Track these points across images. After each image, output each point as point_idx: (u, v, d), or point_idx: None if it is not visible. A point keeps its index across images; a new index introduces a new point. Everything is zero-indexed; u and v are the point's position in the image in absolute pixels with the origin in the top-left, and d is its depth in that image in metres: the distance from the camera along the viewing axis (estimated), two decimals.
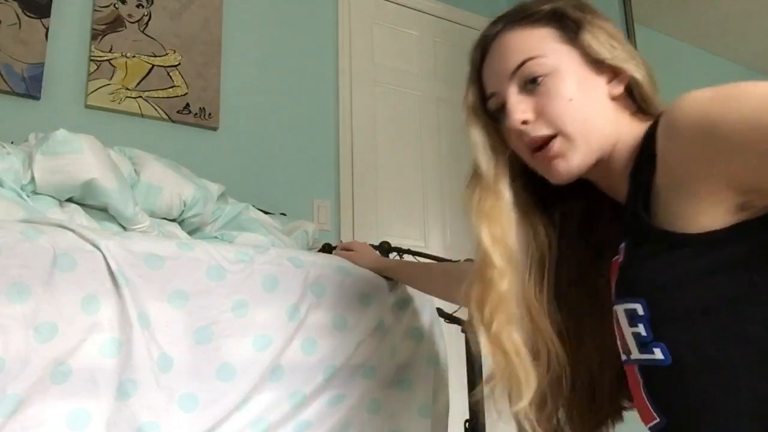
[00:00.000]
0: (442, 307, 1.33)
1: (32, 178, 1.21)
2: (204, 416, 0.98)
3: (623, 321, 0.69)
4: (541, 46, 0.77)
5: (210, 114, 2.26)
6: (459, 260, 1.38)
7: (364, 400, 1.15)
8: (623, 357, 0.71)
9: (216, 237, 1.47)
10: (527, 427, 0.79)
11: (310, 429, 1.08)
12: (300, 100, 2.53)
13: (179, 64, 2.25)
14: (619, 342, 0.72)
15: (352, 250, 1.32)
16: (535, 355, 0.79)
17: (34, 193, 1.23)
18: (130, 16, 2.20)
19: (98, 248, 0.95)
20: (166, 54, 2.23)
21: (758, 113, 0.55)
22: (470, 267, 0.84)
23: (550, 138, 0.75)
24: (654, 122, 0.70)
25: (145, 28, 2.21)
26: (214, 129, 2.28)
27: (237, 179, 2.18)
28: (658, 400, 0.66)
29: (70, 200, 1.27)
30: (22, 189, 1.21)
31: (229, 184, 1.72)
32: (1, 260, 0.86)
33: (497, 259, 0.78)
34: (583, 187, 0.81)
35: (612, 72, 0.77)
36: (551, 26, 0.78)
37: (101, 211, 1.29)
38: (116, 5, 2.17)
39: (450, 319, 1.37)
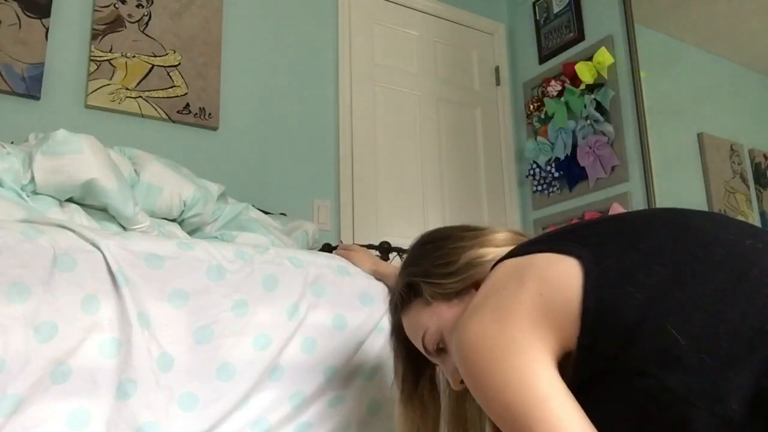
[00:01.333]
0: None
1: (32, 178, 1.21)
2: (204, 416, 0.98)
3: None
4: (418, 325, 0.86)
5: (210, 114, 2.26)
6: None
7: (364, 401, 1.15)
8: None
9: (216, 237, 1.47)
10: None
11: (310, 430, 1.08)
12: (300, 100, 2.53)
13: (179, 64, 2.25)
14: None
15: (351, 251, 1.33)
16: None
17: (34, 193, 1.23)
18: (130, 16, 2.20)
19: (98, 248, 0.96)
20: (166, 54, 2.23)
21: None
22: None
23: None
24: None
25: (145, 28, 2.22)
26: (214, 129, 2.28)
27: (237, 179, 2.18)
28: None
29: (70, 200, 1.27)
30: (22, 189, 1.21)
31: (229, 184, 1.72)
32: (1, 260, 0.86)
33: None
34: None
35: (473, 285, 0.82)
36: (414, 302, 0.86)
37: (101, 211, 1.29)
38: (116, 5, 2.18)
39: None
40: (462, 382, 0.80)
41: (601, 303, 0.60)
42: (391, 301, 0.93)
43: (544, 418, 0.59)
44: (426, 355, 0.88)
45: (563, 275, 0.63)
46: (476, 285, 0.80)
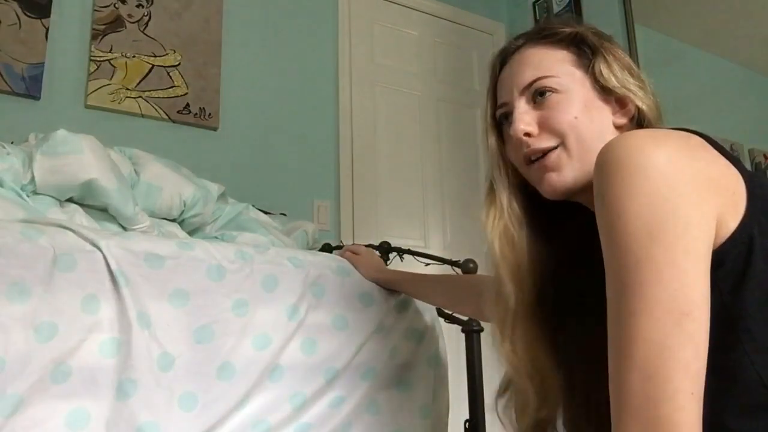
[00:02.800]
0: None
1: (32, 178, 1.21)
2: (204, 416, 0.98)
3: None
4: (555, 67, 0.80)
5: (210, 114, 2.26)
6: (459, 260, 1.38)
7: (365, 402, 1.15)
8: None
9: (216, 237, 1.47)
10: None
11: (310, 430, 1.08)
12: (300, 100, 2.53)
13: (179, 64, 2.25)
14: None
15: (358, 254, 1.30)
16: (544, 374, 0.81)
17: (34, 193, 1.23)
18: (130, 16, 2.20)
19: (98, 248, 0.95)
20: (166, 54, 2.23)
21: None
22: (476, 279, 0.86)
23: (550, 150, 0.78)
24: None
25: (145, 28, 2.22)
26: (214, 129, 2.28)
27: (237, 179, 2.18)
28: None
29: (70, 200, 1.27)
30: (22, 189, 1.21)
31: (229, 184, 1.72)
32: (1, 260, 0.86)
33: (506, 275, 0.81)
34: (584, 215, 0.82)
35: (619, 102, 0.80)
36: (569, 49, 0.81)
37: (101, 211, 1.29)
38: (116, 5, 2.17)
39: (450, 319, 1.37)
40: (527, 133, 0.77)
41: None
42: (524, 33, 0.85)
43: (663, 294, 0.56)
44: (514, 90, 0.81)
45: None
46: (623, 106, 0.78)
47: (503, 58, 0.86)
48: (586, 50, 0.80)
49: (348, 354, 1.14)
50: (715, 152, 0.65)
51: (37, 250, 0.89)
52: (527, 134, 0.79)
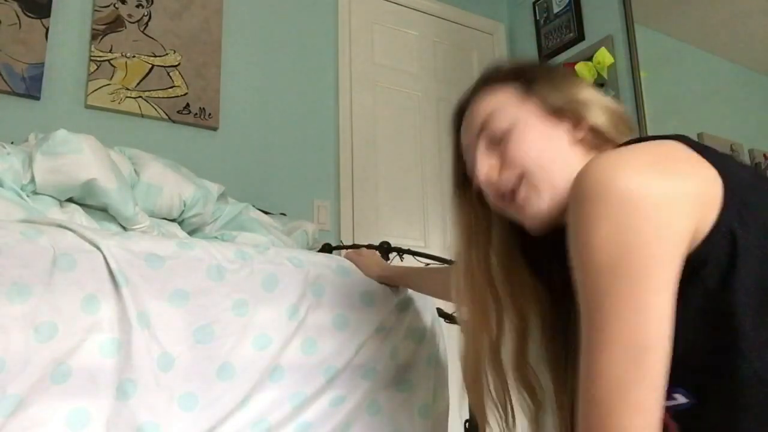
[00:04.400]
0: (442, 307, 1.33)
1: (32, 178, 1.21)
2: (204, 416, 0.98)
3: None
4: (501, 103, 0.81)
5: (210, 114, 2.26)
6: None
7: (365, 401, 1.15)
8: None
9: (216, 237, 1.47)
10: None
11: (311, 430, 1.08)
12: (300, 101, 2.53)
13: (179, 64, 2.25)
14: None
15: (360, 255, 1.31)
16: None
17: (34, 193, 1.22)
18: (130, 16, 2.20)
19: (98, 248, 0.95)
20: (166, 54, 2.23)
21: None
22: None
23: (516, 187, 0.78)
24: None
25: (145, 28, 2.21)
26: (214, 129, 2.28)
27: (237, 179, 2.18)
28: None
29: (70, 200, 1.27)
30: (22, 189, 1.21)
31: (229, 184, 1.72)
32: (1, 260, 0.86)
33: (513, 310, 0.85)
34: None
35: (573, 118, 0.79)
36: (513, 84, 0.82)
37: (101, 211, 1.29)
38: (116, 5, 2.17)
39: (450, 319, 1.37)
40: (486, 173, 0.78)
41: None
42: (481, 76, 0.87)
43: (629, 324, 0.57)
44: (471, 139, 0.83)
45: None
46: (579, 122, 0.78)
47: (459, 119, 0.88)
48: (525, 79, 0.81)
49: (348, 354, 1.14)
50: (694, 156, 0.64)
51: (37, 250, 0.89)
52: (490, 177, 0.80)
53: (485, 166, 0.80)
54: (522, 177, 0.77)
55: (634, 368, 0.57)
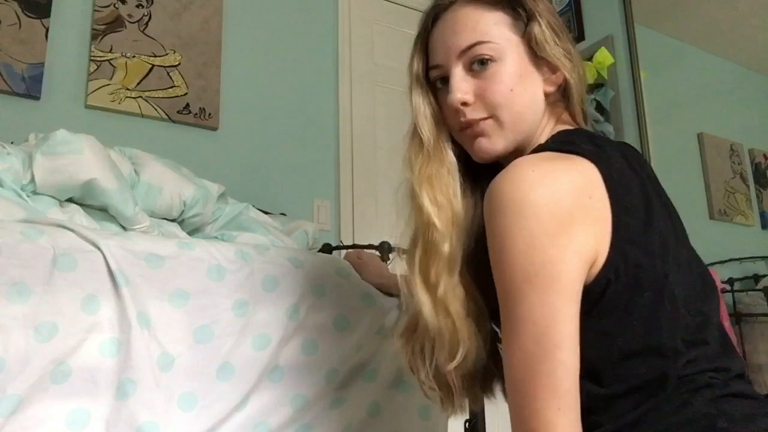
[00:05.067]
0: None
1: (32, 178, 1.21)
2: (204, 416, 0.98)
3: None
4: (492, 31, 0.78)
5: (210, 114, 2.26)
6: None
7: (365, 403, 1.15)
8: None
9: (216, 237, 1.47)
10: (452, 383, 0.83)
11: (310, 431, 1.08)
12: (300, 100, 2.53)
13: (179, 64, 2.25)
14: None
15: (361, 259, 1.29)
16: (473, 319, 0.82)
17: (34, 193, 1.22)
18: (130, 16, 2.20)
19: (98, 248, 0.95)
20: (166, 54, 2.23)
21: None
22: None
23: (483, 120, 0.78)
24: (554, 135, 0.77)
25: (145, 28, 2.21)
26: (214, 129, 2.28)
27: (237, 179, 2.18)
28: None
29: (70, 200, 1.27)
30: (22, 189, 1.21)
31: (229, 184, 1.72)
32: (1, 260, 0.86)
33: (439, 222, 0.80)
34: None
35: (549, 68, 0.80)
36: (505, 11, 0.79)
37: (101, 211, 1.29)
38: (116, 5, 2.17)
39: None
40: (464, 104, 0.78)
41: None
42: None
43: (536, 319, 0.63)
44: (448, 52, 0.80)
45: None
46: (554, 73, 0.79)
47: (436, 14, 0.85)
48: (521, 12, 0.79)
49: (348, 354, 1.14)
50: (599, 189, 0.67)
51: (37, 250, 0.89)
52: (464, 103, 0.79)
53: (460, 92, 0.79)
54: (492, 115, 0.78)
55: (550, 359, 0.63)
